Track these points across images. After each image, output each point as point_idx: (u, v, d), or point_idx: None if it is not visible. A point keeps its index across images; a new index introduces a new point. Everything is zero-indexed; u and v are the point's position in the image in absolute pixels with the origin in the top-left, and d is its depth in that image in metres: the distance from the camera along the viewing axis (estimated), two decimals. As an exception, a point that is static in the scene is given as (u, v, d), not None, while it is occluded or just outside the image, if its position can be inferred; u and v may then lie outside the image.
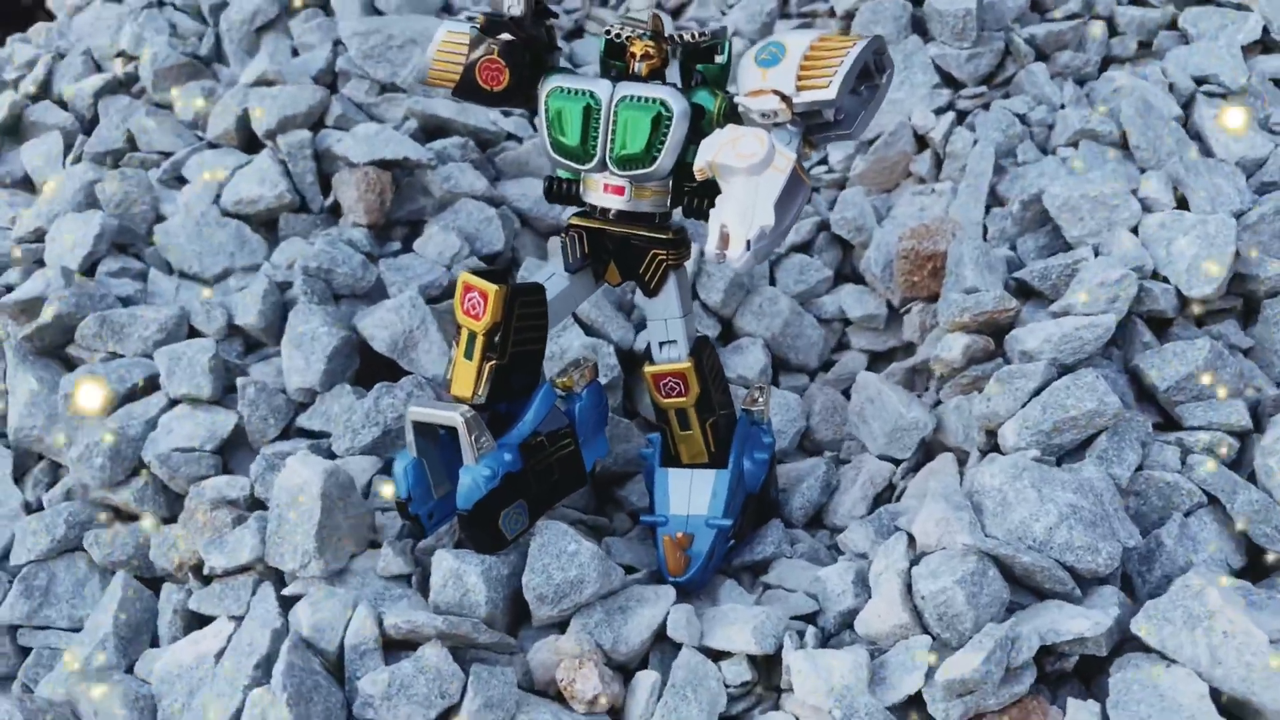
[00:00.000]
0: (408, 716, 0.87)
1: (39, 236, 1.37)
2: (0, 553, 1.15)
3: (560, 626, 0.96)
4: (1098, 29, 1.45)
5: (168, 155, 1.47)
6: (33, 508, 1.18)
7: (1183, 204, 1.18)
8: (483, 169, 1.42)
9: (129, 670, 1.03)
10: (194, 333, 1.26)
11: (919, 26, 1.45)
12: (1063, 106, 1.36)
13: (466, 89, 1.01)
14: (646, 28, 0.97)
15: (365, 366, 1.22)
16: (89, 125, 1.55)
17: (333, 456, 1.13)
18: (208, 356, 1.18)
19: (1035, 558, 0.87)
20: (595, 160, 0.95)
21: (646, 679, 0.91)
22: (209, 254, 1.33)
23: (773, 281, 1.32)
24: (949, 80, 1.41)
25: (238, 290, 1.28)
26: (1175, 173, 1.18)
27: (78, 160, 1.48)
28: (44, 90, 1.59)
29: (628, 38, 0.97)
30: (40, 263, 1.34)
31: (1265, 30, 1.44)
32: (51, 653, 1.09)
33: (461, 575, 0.94)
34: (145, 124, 1.49)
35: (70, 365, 1.24)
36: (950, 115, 1.37)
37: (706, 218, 0.96)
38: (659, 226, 0.99)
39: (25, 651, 1.10)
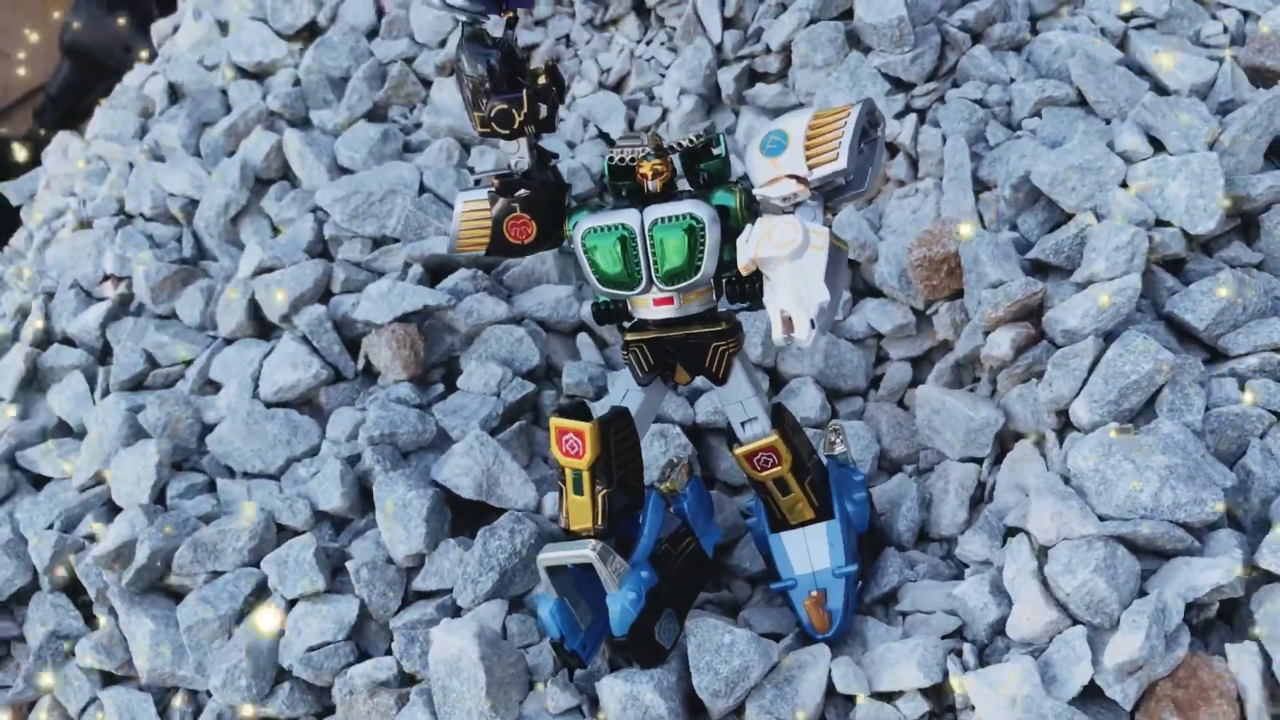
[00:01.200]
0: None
1: (98, 480, 1.40)
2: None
3: (737, 713, 1.01)
4: (1016, -7, 1.52)
5: (189, 364, 1.51)
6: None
7: (1158, 146, 1.25)
8: (495, 293, 1.46)
9: None
10: (282, 529, 1.30)
11: (855, 41, 1.51)
12: (1013, 80, 1.43)
13: (498, 247, 1.07)
14: (648, 147, 1.02)
15: (457, 514, 1.26)
16: (102, 356, 1.58)
17: (459, 611, 1.18)
18: (311, 551, 1.22)
19: (1153, 526, 0.94)
20: (642, 284, 1.01)
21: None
22: (267, 449, 1.37)
23: (799, 320, 1.38)
24: (899, 84, 1.48)
25: (310, 477, 1.32)
26: (1142, 119, 1.25)
27: (106, 393, 1.51)
28: (47, 336, 1.62)
29: (633, 159, 1.02)
30: (109, 505, 1.38)
31: None
32: None
33: (638, 696, 0.99)
34: (159, 339, 1.52)
35: (176, 596, 1.28)
36: (911, 116, 1.44)
37: (750, 299, 1.02)
38: (711, 320, 1.05)
39: None
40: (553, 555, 1.00)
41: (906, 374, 1.35)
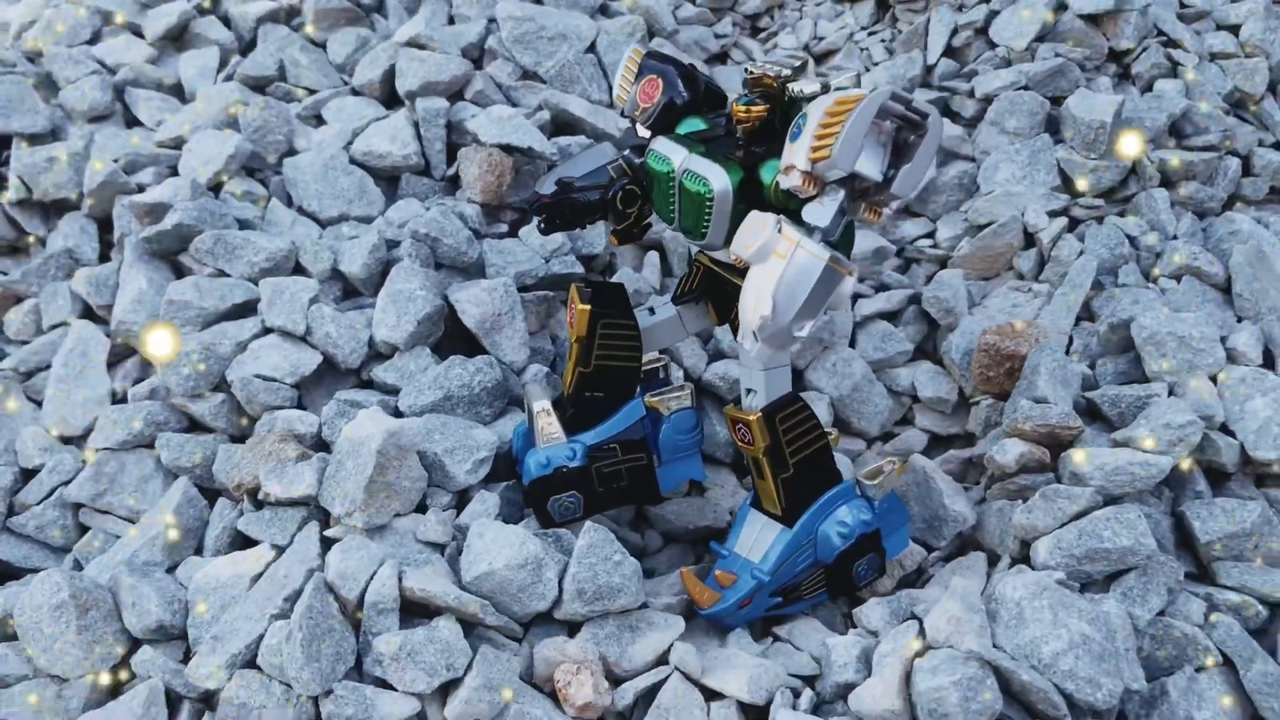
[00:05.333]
0: (412, 680, 0.92)
1: (178, 144, 1.45)
2: (81, 433, 1.22)
3: (571, 625, 1.01)
4: (1234, 165, 1.45)
5: (312, 92, 1.54)
6: (118, 398, 1.26)
7: (1270, 362, 1.18)
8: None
9: (170, 571, 1.09)
10: (299, 268, 1.32)
11: (1053, 125, 1.46)
12: (1175, 237, 1.36)
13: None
14: (778, 79, 0.98)
15: (448, 336, 1.27)
16: (246, 47, 1.62)
17: (398, 412, 1.19)
18: (309, 295, 1.24)
19: (1034, 677, 0.89)
20: (675, 225, 0.99)
21: (631, 690, 0.95)
22: (329, 196, 1.39)
23: (853, 343, 1.35)
24: (1069, 185, 1.42)
25: (349, 238, 1.34)
26: (1270, 330, 1.18)
27: (229, 79, 1.55)
28: (214, 5, 1.67)
29: (749, 85, 0.99)
30: (174, 170, 1.42)
31: (1400, 204, 1.42)
32: (106, 536, 1.16)
33: (525, 542, 0.99)
34: (298, 58, 1.56)
35: (180, 272, 1.31)
36: (1063, 220, 1.38)
37: None
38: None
39: (84, 529, 1.18)
40: (530, 390, 1.12)
41: (920, 444, 1.31)
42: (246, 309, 1.27)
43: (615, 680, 0.98)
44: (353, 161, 1.43)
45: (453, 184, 1.46)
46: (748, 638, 1.05)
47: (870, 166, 0.88)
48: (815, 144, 0.86)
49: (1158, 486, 1.09)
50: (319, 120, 1.51)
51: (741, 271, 1.00)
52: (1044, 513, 1.04)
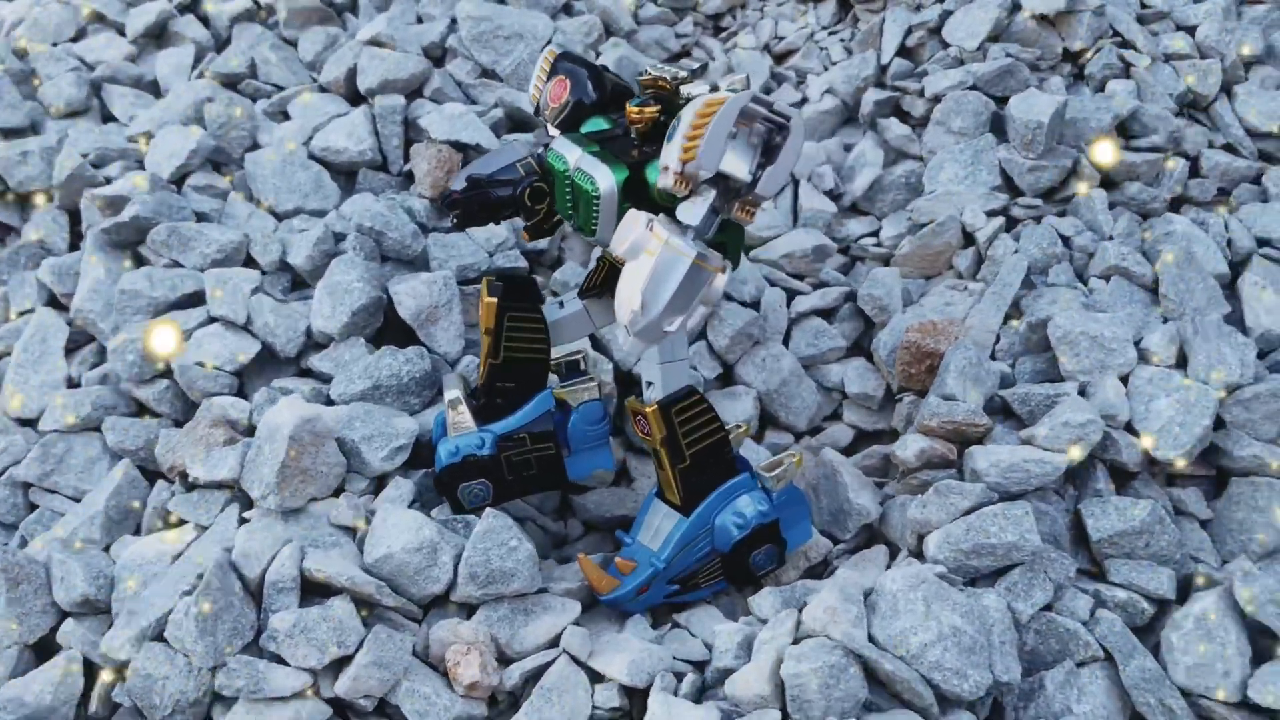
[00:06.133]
0: (304, 656, 0.96)
1: (149, 139, 1.50)
2: (36, 415, 1.28)
3: (466, 607, 1.04)
4: (1175, 164, 1.45)
5: (281, 89, 1.59)
6: (73, 382, 1.31)
7: (1183, 362, 1.19)
8: (552, 171, 1.49)
9: (106, 549, 1.15)
10: (250, 260, 1.37)
11: (998, 126, 1.47)
12: (1111, 238, 1.37)
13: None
14: (668, 85, 1.01)
15: (386, 329, 1.31)
16: (222, 45, 1.67)
17: (330, 400, 1.23)
18: (251, 286, 1.29)
19: (898, 667, 0.92)
20: (573, 222, 1.03)
21: (519, 670, 0.98)
22: (286, 190, 1.44)
23: (787, 340, 1.37)
24: (1010, 185, 1.43)
25: (300, 231, 1.39)
26: (1184, 331, 1.19)
27: (200, 76, 1.61)
28: (194, 4, 1.72)
29: (643, 87, 1.02)
30: (141, 164, 1.47)
31: (1345, 208, 1.42)
32: (52, 515, 1.22)
33: (423, 527, 1.04)
34: (268, 55, 1.61)
35: (141, 263, 1.37)
36: (1000, 220, 1.39)
37: None
38: (652, 273, 1.06)
39: (33, 507, 1.23)
40: (446, 380, 1.15)
41: (847, 439, 1.33)
42: (196, 299, 1.32)
43: (507, 661, 1.01)
44: (311, 157, 1.48)
45: (409, 179, 1.50)
46: (645, 624, 1.08)
47: (738, 167, 0.91)
48: (685, 144, 0.89)
49: (1062, 484, 1.10)
50: (285, 116, 1.55)
51: None
52: (937, 508, 1.06)
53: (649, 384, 1.09)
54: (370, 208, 1.38)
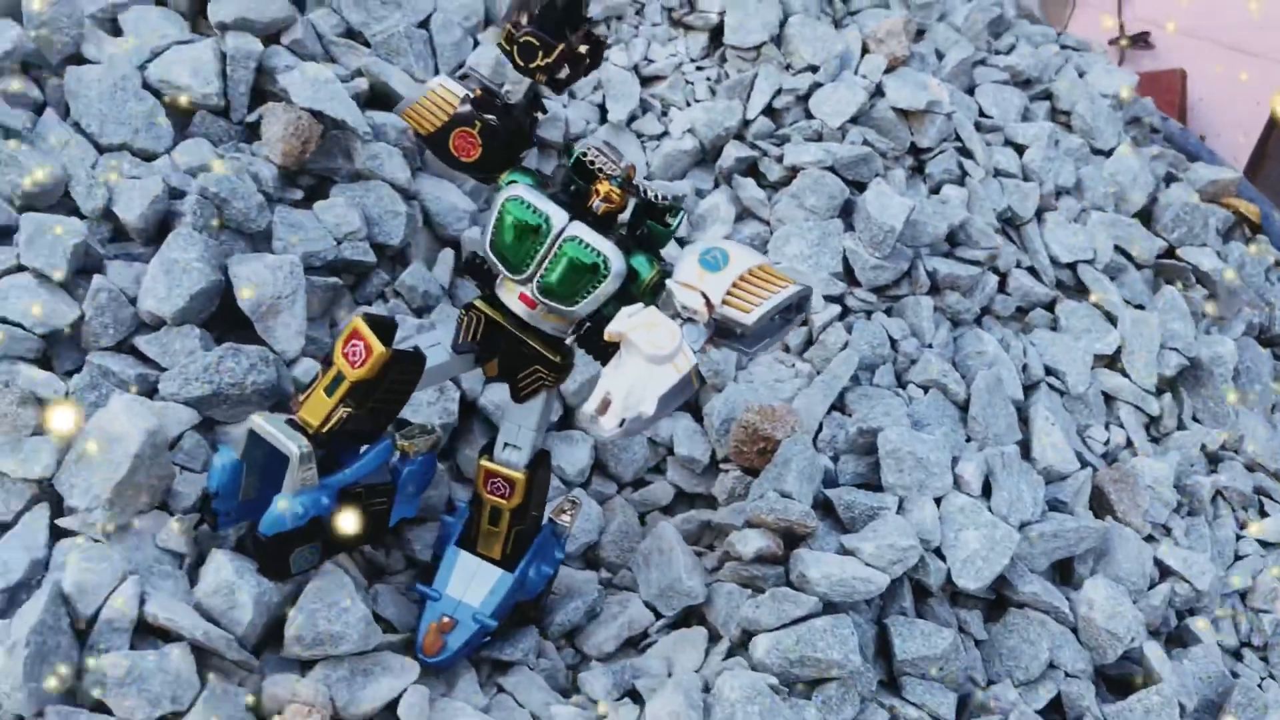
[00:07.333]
0: (131, 709, 0.89)
1: (-55, 21, 1.30)
2: None
3: (304, 664, 1.00)
4: (991, 281, 1.57)
5: (110, -8, 1.41)
6: None
7: (988, 490, 1.30)
8: (409, 157, 1.42)
9: None
10: (67, 197, 1.22)
11: (848, 214, 1.53)
12: (930, 346, 1.47)
13: (434, 144, 1.04)
14: (620, 173, 1.00)
15: (221, 310, 1.21)
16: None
17: (154, 391, 1.13)
18: (75, 241, 1.15)
19: (734, 784, 0.97)
20: (524, 275, 0.99)
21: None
22: (114, 121, 1.29)
23: (624, 388, 1.38)
24: (850, 274, 1.50)
25: (130, 177, 1.25)
26: (992, 463, 1.30)
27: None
28: None
29: (601, 171, 1.00)
30: (-63, 51, 1.27)
31: (1119, 351, 1.59)
32: None
33: (234, 590, 0.96)
34: (102, -50, 1.42)
35: (-75, 173, 1.19)
36: (836, 308, 1.46)
37: (596, 355, 1.03)
38: (551, 346, 1.04)
39: None
40: (266, 428, 0.97)
41: (668, 497, 1.36)
42: (1, 236, 1.16)
43: (341, 723, 0.99)
44: (146, 86, 1.33)
45: (250, 131, 1.38)
46: (475, 685, 1.08)
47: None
48: (733, 291, 0.95)
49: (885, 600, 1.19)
50: (114, 27, 1.38)
51: (532, 330, 1.03)
52: (769, 611, 1.12)
53: (511, 446, 1.08)
54: (214, 173, 1.26)
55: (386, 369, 0.97)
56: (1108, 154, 1.82)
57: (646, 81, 1.66)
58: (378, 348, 0.96)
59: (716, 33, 1.70)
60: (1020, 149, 1.72)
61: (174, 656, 0.92)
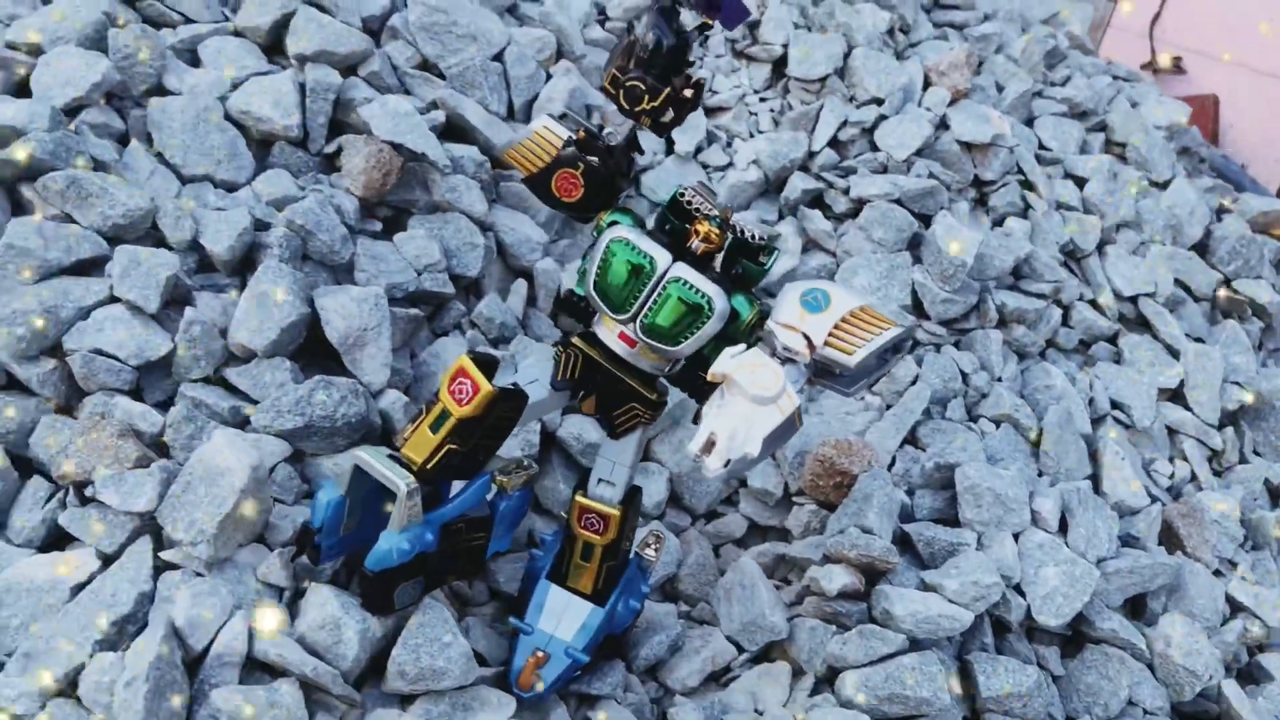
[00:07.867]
0: (245, 744, 0.90)
1: (33, 51, 1.31)
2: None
3: (404, 699, 1.01)
4: (1056, 314, 1.58)
5: (189, 21, 1.43)
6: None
7: (1064, 526, 1.31)
8: (486, 190, 1.43)
9: (-34, 549, 1.02)
10: (154, 228, 1.23)
11: (915, 244, 1.54)
12: (1000, 379, 1.48)
13: (537, 185, 1.05)
14: (718, 212, 1.01)
15: (309, 342, 1.22)
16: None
17: (245, 423, 1.14)
18: (167, 273, 1.16)
19: (835, 823, 0.98)
20: (627, 315, 1.00)
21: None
22: (197, 152, 1.30)
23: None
24: (919, 308, 1.51)
25: (215, 208, 1.26)
26: (1068, 498, 1.31)
27: (106, -10, 1.41)
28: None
29: (696, 210, 1.01)
30: (22, 85, 1.28)
31: (1182, 384, 1.59)
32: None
33: (340, 626, 0.97)
34: (181, -16, 1.44)
35: (15, 200, 1.20)
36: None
37: (693, 394, 1.04)
38: (648, 384, 1.05)
39: None
40: (372, 463, 0.97)
41: (740, 529, 1.37)
42: (92, 266, 1.18)
43: (442, 758, 0.99)
44: (228, 118, 1.34)
45: (328, 163, 1.39)
46: (567, 719, 1.08)
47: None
48: (835, 333, 0.96)
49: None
50: (193, 57, 1.40)
51: (630, 367, 1.03)
52: (857, 647, 1.12)
53: (605, 482, 1.09)
54: (299, 200, 1.27)
55: (491, 406, 0.98)
56: (1163, 186, 1.83)
57: (710, 112, 1.67)
58: (485, 386, 0.96)
59: (779, 63, 1.71)
60: (1080, 181, 1.73)
61: (284, 692, 0.93)
